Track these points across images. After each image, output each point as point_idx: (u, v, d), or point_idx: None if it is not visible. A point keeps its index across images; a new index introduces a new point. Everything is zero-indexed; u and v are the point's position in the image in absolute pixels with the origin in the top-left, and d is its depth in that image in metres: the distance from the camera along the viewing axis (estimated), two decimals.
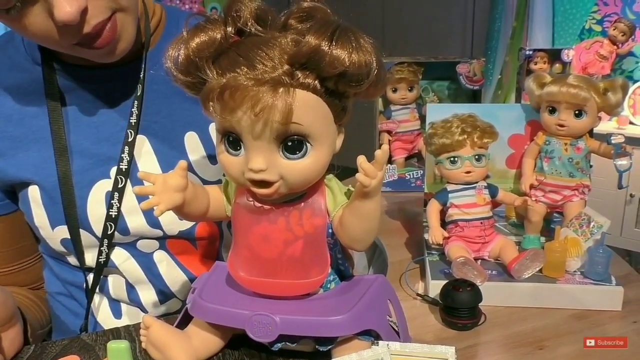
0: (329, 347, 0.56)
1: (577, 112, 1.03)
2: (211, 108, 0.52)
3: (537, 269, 1.02)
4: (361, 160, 0.50)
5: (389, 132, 1.50)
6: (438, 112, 1.12)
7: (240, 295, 0.60)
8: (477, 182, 1.07)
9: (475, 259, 1.04)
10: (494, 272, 1.03)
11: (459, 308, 0.89)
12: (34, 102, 0.75)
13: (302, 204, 0.57)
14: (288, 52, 0.51)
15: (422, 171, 1.51)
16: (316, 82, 0.52)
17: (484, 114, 1.08)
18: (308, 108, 0.52)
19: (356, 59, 0.50)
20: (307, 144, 0.53)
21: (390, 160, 1.57)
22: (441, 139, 1.07)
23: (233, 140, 0.54)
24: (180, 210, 0.57)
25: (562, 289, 0.98)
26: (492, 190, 1.09)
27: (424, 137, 1.13)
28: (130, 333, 0.68)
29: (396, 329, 0.61)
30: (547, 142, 1.08)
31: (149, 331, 0.59)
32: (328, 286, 0.61)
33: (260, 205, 0.57)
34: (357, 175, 0.50)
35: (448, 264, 1.06)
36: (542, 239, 1.13)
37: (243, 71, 0.50)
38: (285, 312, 0.55)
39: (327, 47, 0.49)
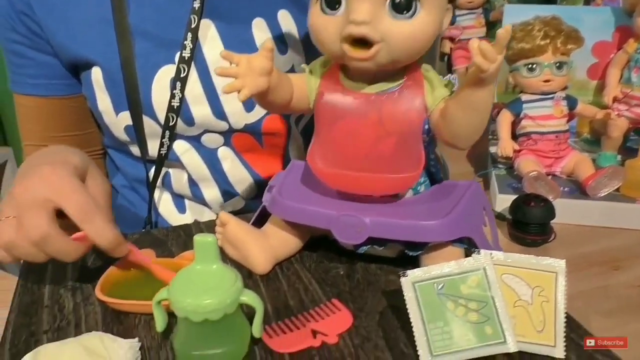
0: (419, 252, 0.52)
1: None
2: None
3: (615, 187, 0.96)
4: (477, 42, 0.44)
5: (452, 39, 1.41)
6: (517, 13, 1.03)
7: (323, 195, 0.55)
8: (555, 93, 1.00)
9: (546, 175, 0.99)
10: (566, 188, 0.99)
11: (529, 223, 0.85)
12: None
13: (397, 94, 0.51)
14: None
15: None
16: None
17: (567, 16, 0.99)
18: None
19: None
20: (417, 3, 0.47)
21: (450, 69, 1.49)
22: (520, 43, 0.99)
23: None
24: (264, 98, 0.51)
25: None
26: (571, 102, 1.02)
27: None
28: (202, 230, 0.65)
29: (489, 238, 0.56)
30: (639, 51, 0.98)
31: (226, 228, 0.56)
32: (418, 189, 0.56)
33: (349, 95, 0.52)
34: (475, 58, 0.44)
35: (516, 179, 1.01)
36: (618, 157, 1.06)
37: None
38: (375, 214, 0.51)
39: None
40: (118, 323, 0.50)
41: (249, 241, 0.55)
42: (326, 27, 0.49)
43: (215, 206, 0.80)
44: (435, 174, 0.56)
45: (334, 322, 0.49)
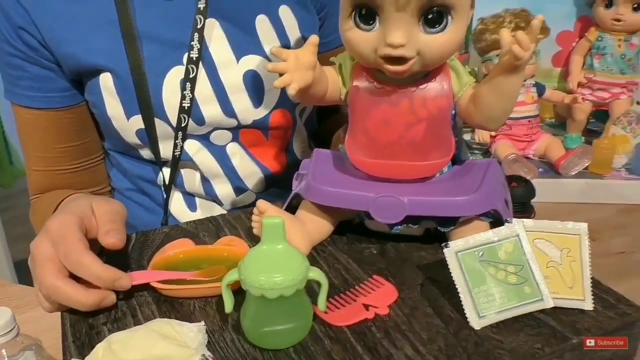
0: (451, 227, 0.56)
1: (636, 5, 1.01)
2: None
3: (585, 165, 1.04)
4: (508, 32, 0.49)
5: None
6: (487, 6, 1.09)
7: (356, 179, 0.59)
8: (525, 80, 1.07)
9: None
10: (540, 169, 1.06)
11: (512, 203, 0.90)
12: None
13: (426, 84, 0.55)
14: None
15: None
16: None
17: (533, 8, 1.06)
18: None
19: None
20: (448, 17, 0.50)
21: None
22: (493, 34, 1.05)
23: (365, 14, 0.51)
24: (307, 91, 0.54)
25: (610, 184, 1.01)
26: (540, 88, 1.09)
27: (473, 33, 1.11)
28: (229, 221, 0.67)
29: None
30: (600, 39, 1.07)
31: (264, 217, 0.58)
32: (443, 169, 0.60)
33: (381, 86, 0.55)
34: (512, 47, 0.48)
35: None
36: (582, 138, 1.15)
37: None
38: (410, 194, 0.55)
39: None
40: (174, 311, 0.52)
41: (288, 228, 0.57)
42: (362, 41, 0.52)
43: (227, 202, 0.81)
44: (457, 155, 0.61)
45: (382, 295, 0.53)
